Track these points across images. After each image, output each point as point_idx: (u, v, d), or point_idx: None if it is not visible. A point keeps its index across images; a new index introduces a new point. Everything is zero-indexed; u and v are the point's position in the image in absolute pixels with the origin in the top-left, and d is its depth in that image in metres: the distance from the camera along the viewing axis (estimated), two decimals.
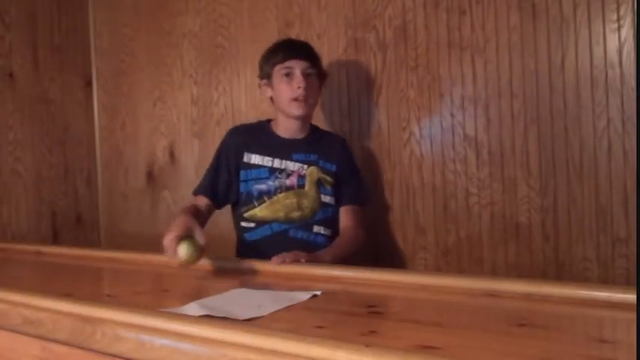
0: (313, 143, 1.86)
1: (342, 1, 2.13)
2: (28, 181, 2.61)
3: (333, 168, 1.84)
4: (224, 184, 1.84)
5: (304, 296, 1.19)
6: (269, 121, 1.92)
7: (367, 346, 0.79)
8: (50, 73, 2.70)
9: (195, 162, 2.56)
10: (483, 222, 1.89)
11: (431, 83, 1.96)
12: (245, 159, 1.83)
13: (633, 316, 0.91)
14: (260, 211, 1.80)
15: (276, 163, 1.81)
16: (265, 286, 1.32)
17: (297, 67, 1.77)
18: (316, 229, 1.80)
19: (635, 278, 1.60)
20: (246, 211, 1.81)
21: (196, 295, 1.26)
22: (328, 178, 1.83)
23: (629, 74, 1.64)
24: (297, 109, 1.78)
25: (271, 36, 2.29)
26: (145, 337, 0.99)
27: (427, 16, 1.96)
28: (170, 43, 2.61)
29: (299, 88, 1.75)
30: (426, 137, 1.98)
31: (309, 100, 1.79)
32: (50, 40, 2.71)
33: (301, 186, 1.80)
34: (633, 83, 1.62)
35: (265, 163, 1.82)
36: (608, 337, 0.88)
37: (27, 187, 2.61)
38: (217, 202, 1.85)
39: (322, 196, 1.82)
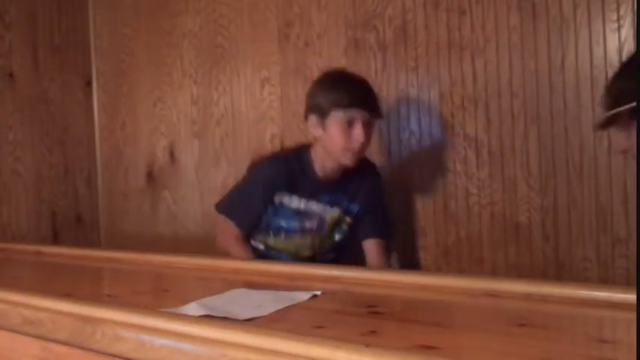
0: (345, 182, 1.76)
1: (342, 1, 2.13)
2: (28, 181, 2.61)
3: (356, 209, 1.79)
4: (256, 216, 1.77)
5: (304, 296, 1.19)
6: (308, 148, 1.78)
7: (367, 346, 0.79)
8: (50, 73, 2.70)
9: (195, 162, 2.56)
10: (483, 222, 1.89)
11: (431, 83, 1.96)
12: (276, 198, 1.75)
13: (633, 316, 0.91)
14: (273, 242, 1.79)
15: (302, 204, 1.75)
16: (265, 286, 1.32)
17: (360, 118, 1.63)
18: (319, 257, 1.80)
19: (635, 278, 1.60)
20: (259, 237, 1.81)
21: (196, 295, 1.26)
22: (348, 219, 1.79)
23: None
24: (349, 160, 1.67)
25: (271, 36, 2.30)
26: (145, 337, 0.99)
27: (427, 16, 1.96)
28: (170, 43, 2.61)
29: (357, 142, 1.63)
30: (426, 137, 1.98)
31: (363, 151, 1.68)
32: (50, 40, 2.71)
33: (320, 229, 1.77)
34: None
35: (293, 205, 1.75)
36: (608, 337, 0.88)
37: (27, 187, 2.61)
38: (245, 233, 1.80)
39: (336, 235, 1.79)
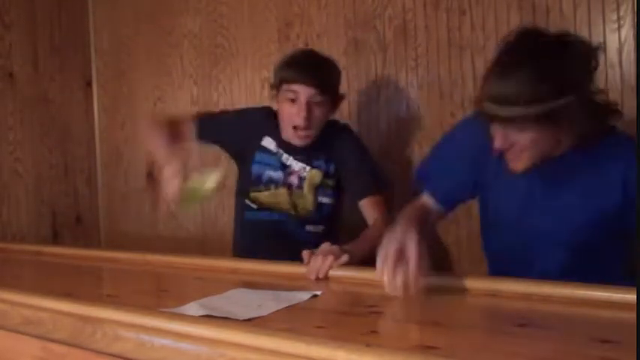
0: (315, 145, 1.76)
1: (342, 1, 2.13)
2: (28, 181, 2.61)
3: (332, 168, 1.79)
4: (225, 134, 1.81)
5: (304, 296, 1.19)
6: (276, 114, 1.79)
7: (367, 346, 0.79)
8: (50, 73, 2.70)
9: (195, 162, 2.55)
10: None
11: (431, 83, 1.96)
12: (263, 142, 1.79)
13: (633, 316, 0.91)
14: (264, 197, 1.79)
15: (284, 157, 1.79)
16: (265, 286, 1.32)
17: (303, 94, 1.64)
18: (309, 227, 1.79)
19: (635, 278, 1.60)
20: (252, 192, 1.81)
21: (196, 295, 1.26)
22: (329, 182, 1.79)
23: (629, 74, 1.64)
24: (295, 139, 1.71)
25: (271, 36, 2.30)
26: (145, 337, 0.99)
27: (427, 16, 1.96)
28: (170, 43, 2.61)
29: (300, 117, 1.65)
30: (427, 137, 1.98)
31: (310, 130, 1.69)
32: (50, 40, 2.71)
33: (299, 187, 1.78)
34: (633, 83, 1.62)
35: (278, 154, 1.79)
36: (608, 337, 0.87)
37: (27, 187, 2.61)
38: (200, 136, 1.76)
39: (320, 197, 1.79)
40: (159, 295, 1.36)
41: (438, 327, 1.01)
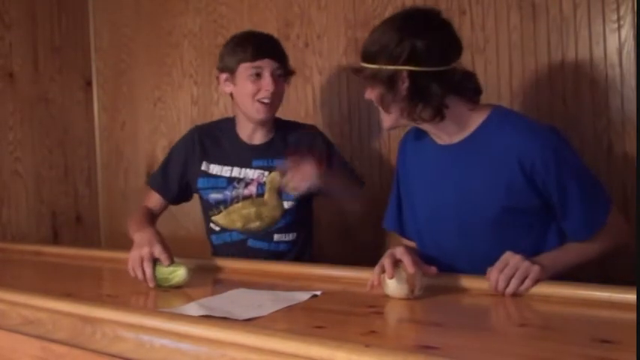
0: (276, 146, 1.74)
1: (342, 1, 2.13)
2: (28, 181, 2.61)
3: None
4: (176, 181, 1.79)
5: (304, 296, 1.19)
6: (233, 118, 1.82)
7: (367, 346, 0.79)
8: (50, 73, 2.70)
9: None
10: None
11: None
12: (204, 167, 1.76)
13: (633, 316, 0.91)
14: (219, 219, 1.76)
15: (235, 172, 1.74)
16: (265, 286, 1.32)
17: (268, 67, 1.65)
18: (277, 237, 1.74)
19: (635, 278, 1.60)
20: (211, 215, 1.78)
21: (196, 295, 1.26)
22: None
23: (629, 74, 1.64)
24: (260, 113, 1.68)
25: None
26: (145, 337, 0.99)
27: None
28: (170, 43, 2.61)
29: (267, 91, 1.65)
30: None
31: (275, 102, 1.69)
32: (50, 40, 2.71)
33: (260, 195, 1.72)
34: (633, 83, 1.62)
35: (224, 173, 1.75)
36: (608, 337, 0.88)
37: (27, 187, 2.61)
38: (169, 199, 1.82)
39: (284, 202, 1.73)
40: (159, 295, 1.36)
41: (438, 327, 1.01)
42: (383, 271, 1.19)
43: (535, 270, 1.15)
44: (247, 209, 1.73)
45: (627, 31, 1.63)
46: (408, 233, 1.51)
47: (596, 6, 1.67)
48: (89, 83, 2.86)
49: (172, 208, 2.69)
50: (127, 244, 2.67)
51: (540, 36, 1.76)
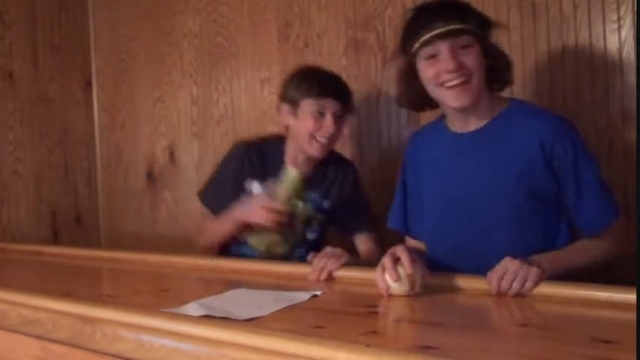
0: (315, 179, 1.74)
1: (342, 1, 2.13)
2: (28, 181, 2.61)
3: (327, 204, 1.75)
4: (227, 202, 1.74)
5: (304, 296, 1.19)
6: (283, 139, 1.78)
7: (367, 346, 0.79)
8: (50, 73, 2.70)
9: (195, 162, 2.56)
10: None
11: None
12: (247, 185, 1.73)
13: (633, 316, 0.91)
14: (252, 239, 1.74)
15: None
16: (265, 286, 1.32)
17: (330, 108, 1.65)
18: (293, 258, 1.74)
19: (635, 278, 1.60)
20: (242, 230, 1.74)
21: (196, 295, 1.26)
22: (319, 217, 1.75)
23: (629, 74, 1.64)
24: (316, 151, 1.68)
25: (271, 36, 2.30)
26: (145, 337, 0.99)
27: None
28: (170, 43, 2.61)
29: (327, 131, 1.65)
30: None
31: (332, 143, 1.70)
32: (50, 40, 2.71)
33: (292, 224, 1.71)
34: (633, 83, 1.62)
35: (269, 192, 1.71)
36: (608, 337, 0.87)
37: (27, 187, 2.61)
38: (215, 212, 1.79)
39: (308, 233, 1.75)
40: (159, 295, 1.36)
41: (438, 327, 1.01)
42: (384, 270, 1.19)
43: (534, 272, 1.15)
44: (276, 235, 1.72)
45: (627, 31, 1.63)
46: (414, 232, 1.51)
47: (596, 6, 1.67)
48: (89, 83, 2.86)
49: (172, 207, 2.69)
50: (126, 244, 2.68)
51: (540, 36, 1.76)
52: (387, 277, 1.18)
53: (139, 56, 2.73)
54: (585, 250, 1.31)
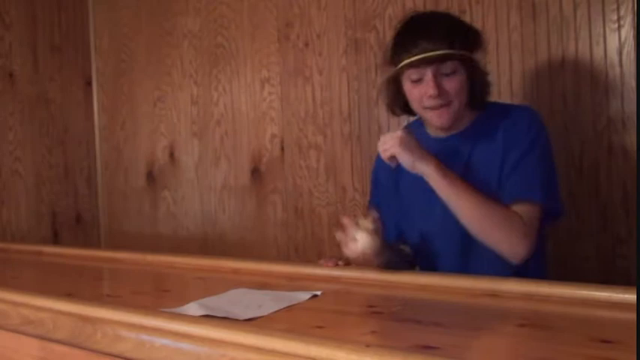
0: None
1: (342, 1, 2.13)
2: (28, 181, 2.61)
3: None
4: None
5: (304, 296, 1.19)
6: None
7: (367, 346, 0.79)
8: (50, 73, 2.70)
9: (195, 162, 2.56)
10: None
11: None
12: None
13: (633, 316, 0.91)
14: None
15: None
16: (265, 286, 1.32)
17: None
18: None
19: (635, 278, 1.60)
20: None
21: (196, 295, 1.26)
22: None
23: (629, 74, 1.64)
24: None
25: (271, 36, 2.30)
26: (145, 337, 0.99)
27: None
28: (170, 43, 2.61)
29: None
30: None
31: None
32: (50, 40, 2.71)
33: None
34: (633, 83, 1.62)
35: None
36: (608, 337, 0.87)
37: (27, 187, 2.61)
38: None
39: None
40: (159, 295, 1.36)
41: (438, 327, 1.01)
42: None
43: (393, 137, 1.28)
44: None
45: (627, 31, 1.64)
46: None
47: (596, 6, 1.67)
48: (89, 83, 2.86)
49: (172, 207, 2.69)
50: (127, 244, 2.68)
51: (540, 36, 1.76)
52: (357, 236, 1.20)
53: (139, 56, 2.73)
54: (489, 202, 1.25)
